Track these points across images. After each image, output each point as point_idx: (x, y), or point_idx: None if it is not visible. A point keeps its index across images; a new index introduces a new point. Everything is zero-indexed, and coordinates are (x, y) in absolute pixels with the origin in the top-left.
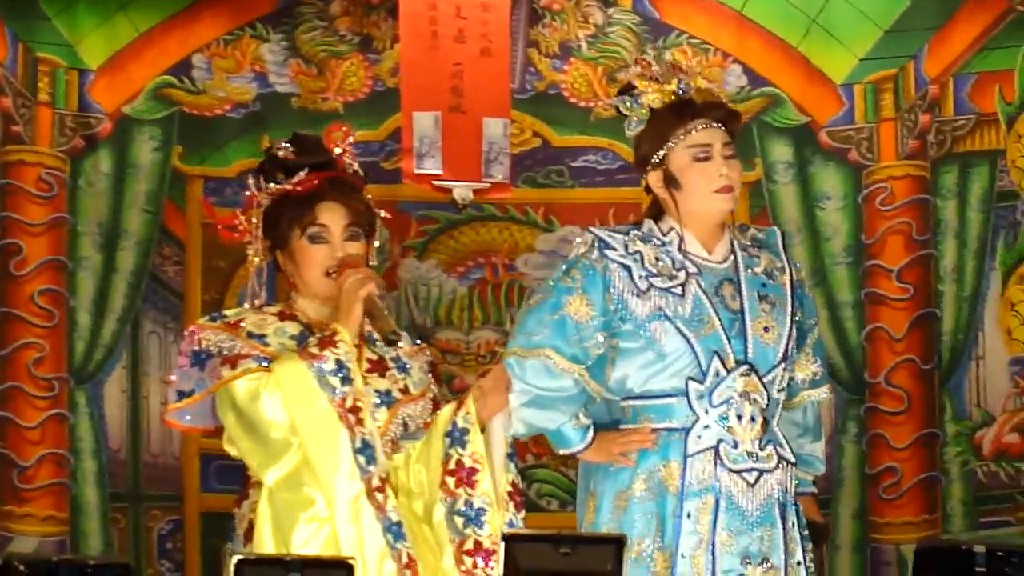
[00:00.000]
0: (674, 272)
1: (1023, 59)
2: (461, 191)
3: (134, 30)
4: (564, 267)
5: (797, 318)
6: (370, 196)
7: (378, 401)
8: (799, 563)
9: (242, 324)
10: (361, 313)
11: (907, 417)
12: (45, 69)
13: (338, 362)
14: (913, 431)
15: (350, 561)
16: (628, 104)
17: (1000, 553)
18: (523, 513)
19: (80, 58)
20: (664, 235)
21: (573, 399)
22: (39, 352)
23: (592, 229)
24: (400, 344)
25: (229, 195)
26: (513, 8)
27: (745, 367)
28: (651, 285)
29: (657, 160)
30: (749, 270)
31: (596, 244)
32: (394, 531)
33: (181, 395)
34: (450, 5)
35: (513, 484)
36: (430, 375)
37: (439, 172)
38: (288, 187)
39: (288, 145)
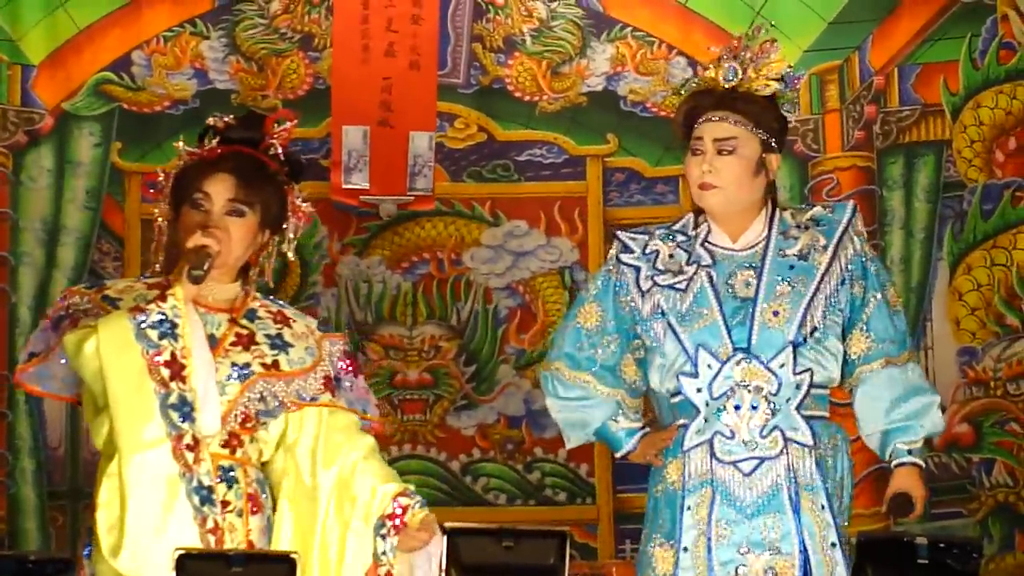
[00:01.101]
0: (684, 267)
1: (967, 50)
2: (386, 206)
3: (75, 26)
4: (591, 277)
5: (833, 296)
6: (298, 190)
7: (233, 374)
8: (834, 544)
9: (106, 291)
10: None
11: None
12: None
13: (162, 315)
14: None
15: (292, 555)
16: (680, 84)
17: (942, 545)
18: None
19: (23, 53)
20: (696, 228)
21: (598, 405)
22: None
23: (618, 233)
24: (293, 322)
25: None
26: (457, 3)
27: (741, 355)
28: (654, 284)
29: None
30: (781, 252)
31: (617, 249)
32: (202, 494)
33: (30, 356)
34: (382, 19)
35: None
36: (325, 363)
37: (366, 187)
38: (193, 153)
39: (230, 119)
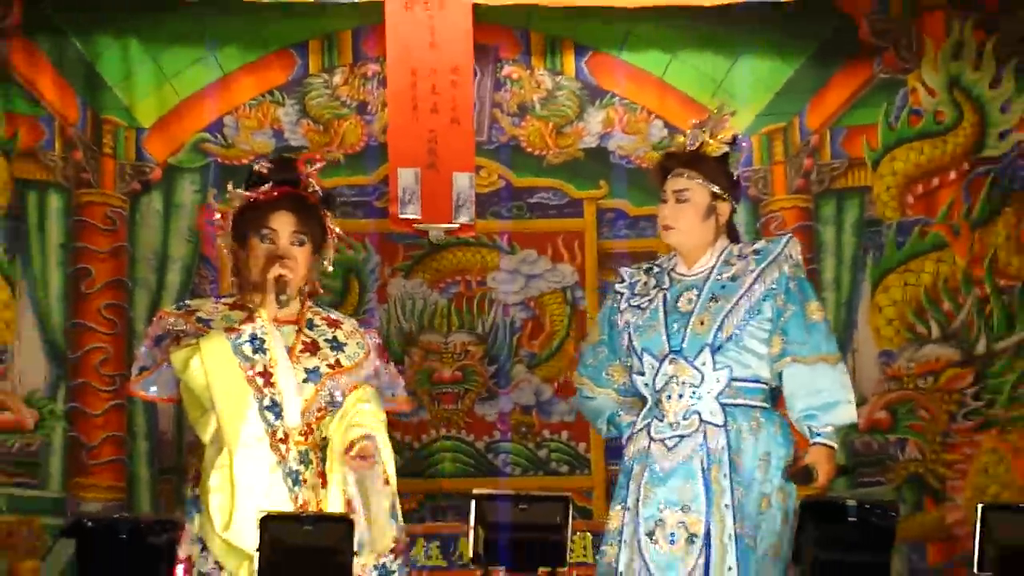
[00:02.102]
0: (650, 291)
1: (884, 115)
2: (435, 232)
3: (177, 96)
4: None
5: (755, 308)
6: (327, 216)
7: (305, 377)
8: (727, 505)
9: (197, 312)
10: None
11: None
12: (108, 128)
13: (252, 334)
14: None
15: (351, 516)
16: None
17: (867, 506)
18: (401, 560)
19: (136, 119)
20: (670, 261)
21: (598, 400)
22: (104, 354)
23: (621, 269)
24: (342, 324)
25: None
26: (481, 77)
27: (673, 355)
28: (628, 305)
29: None
30: (718, 276)
31: (617, 280)
32: (293, 477)
33: (141, 370)
34: (427, 83)
35: (396, 540)
36: (372, 353)
37: (418, 217)
38: (252, 196)
39: (268, 163)
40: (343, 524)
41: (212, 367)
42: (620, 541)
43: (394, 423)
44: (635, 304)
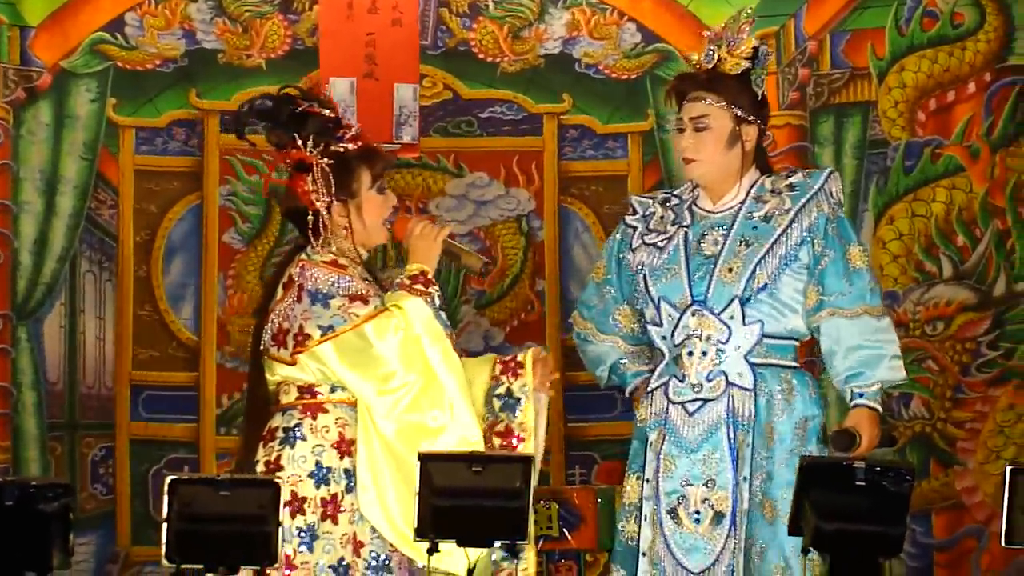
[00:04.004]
0: (668, 227)
1: (893, 17)
2: None
3: None
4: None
5: (790, 254)
6: None
7: None
8: (744, 478)
9: (348, 267)
10: (439, 255)
11: None
12: None
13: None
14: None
15: (276, 480)
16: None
17: (878, 468)
18: None
19: (21, 15)
20: (691, 192)
21: (602, 347)
22: None
23: (631, 197)
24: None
25: (159, 144)
26: None
27: (696, 306)
28: (642, 242)
29: None
30: (749, 215)
31: (628, 211)
32: None
33: (323, 330)
34: None
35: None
36: None
37: None
38: (352, 147)
39: (322, 106)
40: (267, 489)
41: (425, 332)
42: (640, 516)
43: None
44: (650, 242)
